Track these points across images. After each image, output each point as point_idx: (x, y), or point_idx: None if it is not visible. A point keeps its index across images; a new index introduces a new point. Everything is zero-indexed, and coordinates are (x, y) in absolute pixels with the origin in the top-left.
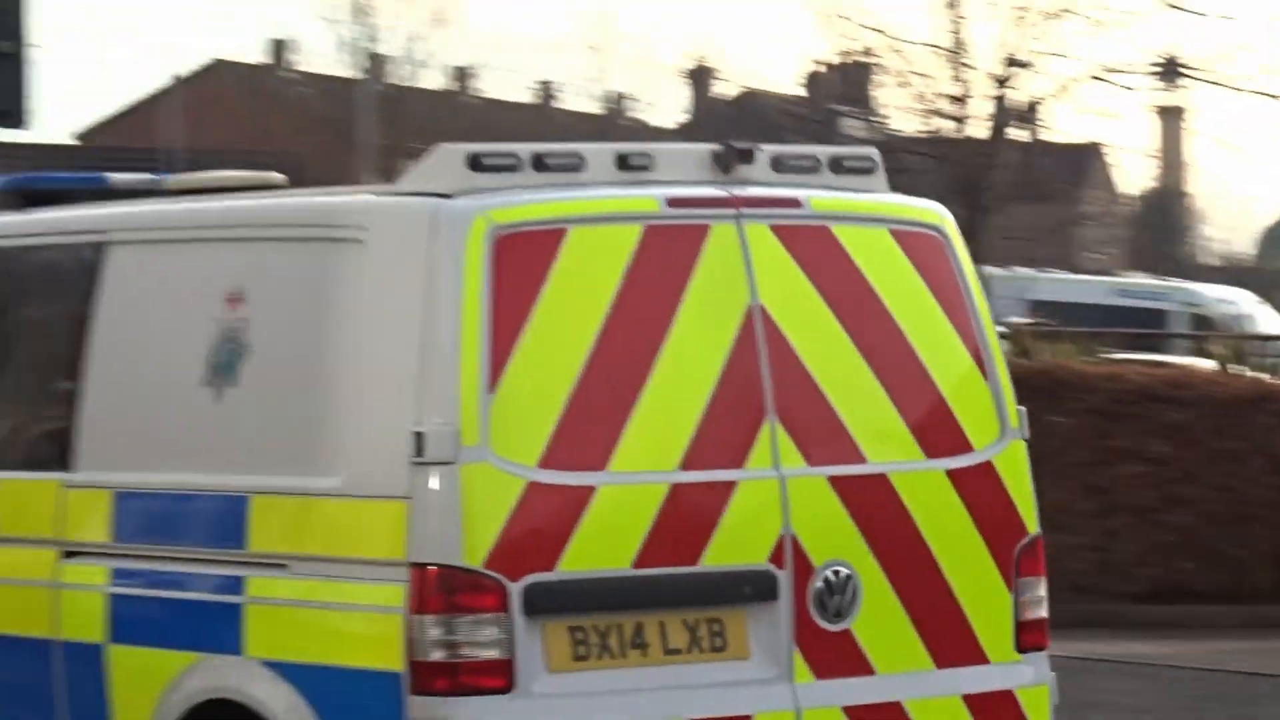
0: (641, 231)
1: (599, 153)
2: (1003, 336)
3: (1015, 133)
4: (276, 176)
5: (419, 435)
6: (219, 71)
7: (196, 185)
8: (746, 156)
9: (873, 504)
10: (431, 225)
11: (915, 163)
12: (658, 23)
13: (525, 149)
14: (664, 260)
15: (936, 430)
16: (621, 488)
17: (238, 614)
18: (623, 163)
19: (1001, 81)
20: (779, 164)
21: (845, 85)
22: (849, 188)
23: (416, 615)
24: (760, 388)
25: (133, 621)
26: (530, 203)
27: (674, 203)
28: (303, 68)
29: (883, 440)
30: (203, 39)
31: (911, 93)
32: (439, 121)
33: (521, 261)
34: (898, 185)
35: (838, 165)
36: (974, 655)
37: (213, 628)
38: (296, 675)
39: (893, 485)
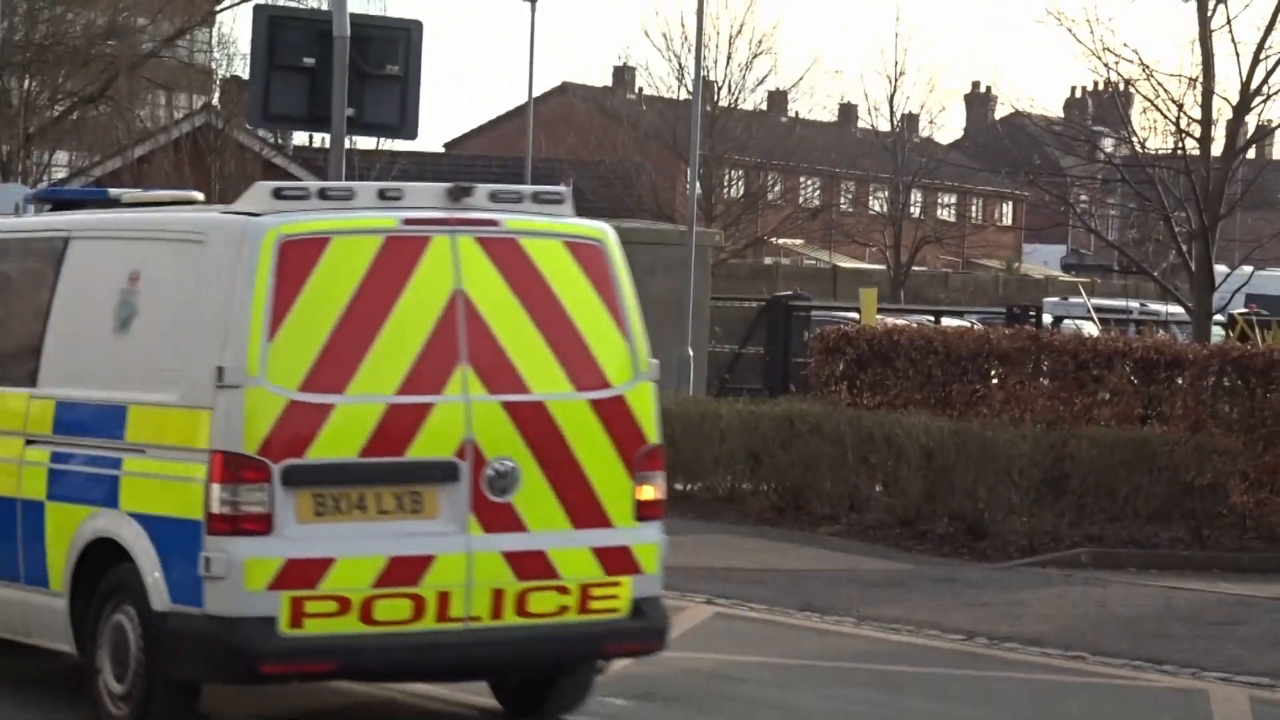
0: (383, 240)
1: (366, 188)
2: (1228, 325)
3: (1249, 151)
4: (197, 195)
5: (220, 369)
6: (568, 92)
7: (139, 199)
8: (469, 191)
9: (533, 421)
10: (241, 233)
11: (1162, 176)
12: (944, 52)
13: (314, 184)
14: (397, 259)
15: (584, 374)
16: (354, 405)
17: (117, 482)
18: (382, 195)
19: (1240, 109)
20: (493, 196)
21: (1101, 108)
22: (542, 213)
23: (212, 483)
24: (457, 342)
25: (60, 486)
26: (306, 220)
27: (408, 221)
28: (642, 90)
29: (544, 380)
30: (555, 65)
31: (1160, 116)
32: (754, 138)
33: (297, 258)
34: (1148, 197)
35: (536, 197)
36: (602, 521)
37: (103, 491)
38: (146, 522)
39: (548, 409)
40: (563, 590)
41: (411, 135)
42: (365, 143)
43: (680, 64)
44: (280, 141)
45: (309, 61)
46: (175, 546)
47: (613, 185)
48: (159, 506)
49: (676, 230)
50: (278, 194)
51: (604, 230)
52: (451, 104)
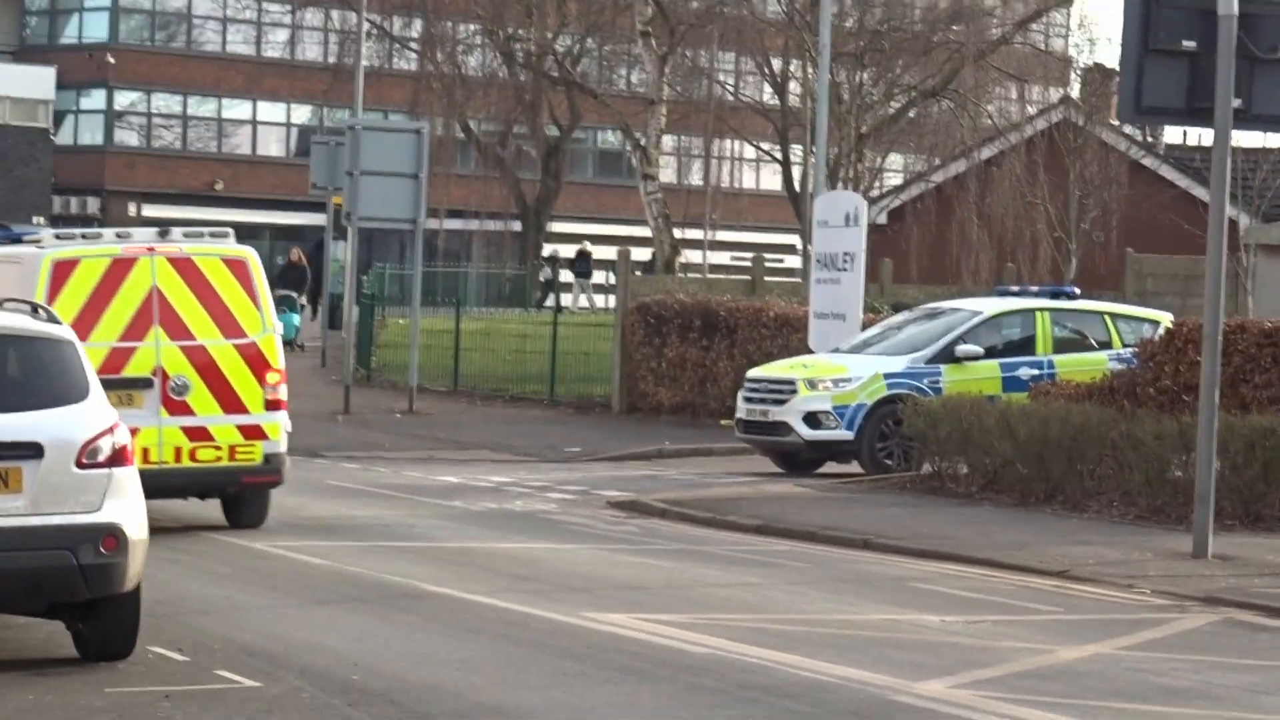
0: (110, 260)
1: (108, 232)
2: None
3: None
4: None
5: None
6: None
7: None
8: (168, 233)
9: (198, 355)
10: (35, 258)
11: None
12: None
13: (79, 230)
14: (119, 271)
15: (231, 330)
16: (92, 347)
17: None
18: (118, 235)
19: None
20: (184, 234)
21: None
22: (211, 243)
23: None
24: (152, 313)
25: None
26: (68, 249)
27: (125, 250)
28: None
29: (205, 333)
30: None
31: None
32: None
33: (62, 272)
34: None
35: (211, 234)
36: (242, 410)
37: None
38: None
39: (207, 349)
40: (218, 448)
41: None
42: (1249, 140)
43: None
44: (1151, 139)
45: (1189, 45)
46: None
47: None
48: None
49: None
50: (58, 236)
51: (248, 251)
52: None
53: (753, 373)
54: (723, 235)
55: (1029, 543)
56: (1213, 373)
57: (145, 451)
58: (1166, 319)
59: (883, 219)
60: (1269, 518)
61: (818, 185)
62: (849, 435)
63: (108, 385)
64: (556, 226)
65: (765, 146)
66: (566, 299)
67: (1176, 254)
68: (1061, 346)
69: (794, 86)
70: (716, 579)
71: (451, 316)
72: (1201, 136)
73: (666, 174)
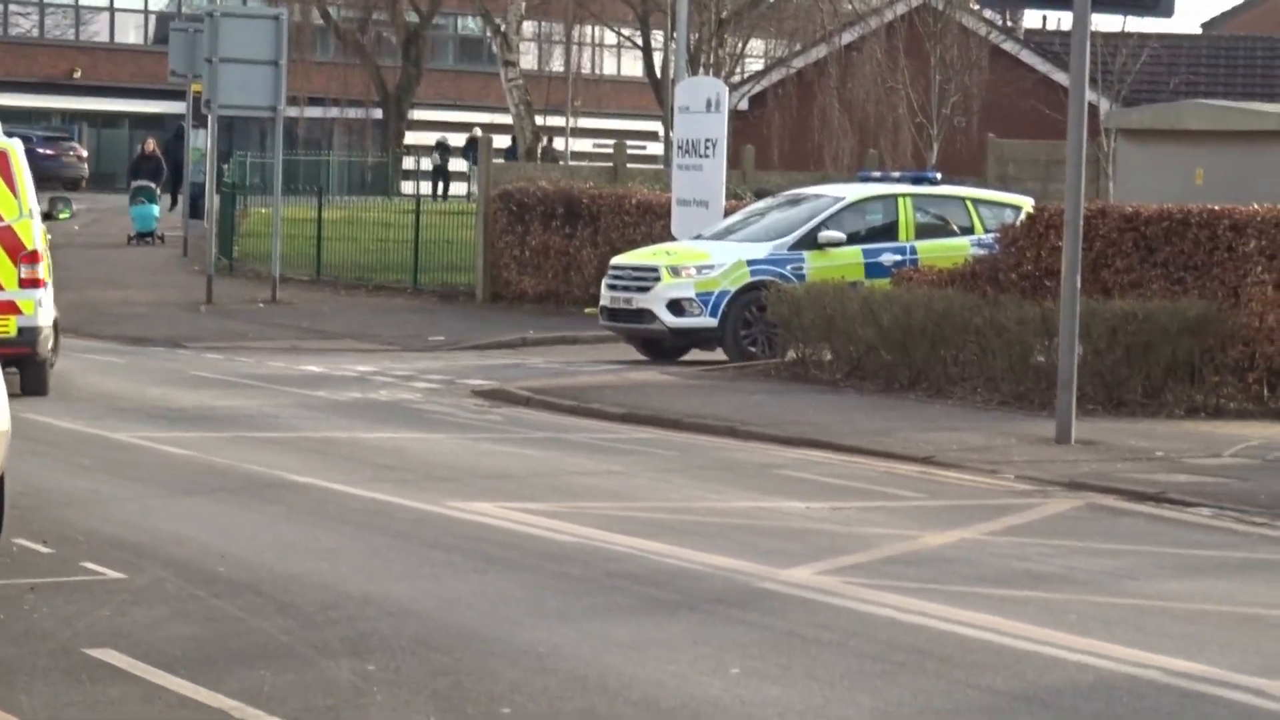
0: None
1: None
2: None
3: None
4: None
5: None
6: None
7: None
8: None
9: None
10: None
11: None
12: None
13: None
14: None
15: None
16: None
17: None
18: None
19: None
20: None
21: None
22: None
23: None
24: None
25: None
26: None
27: None
28: None
29: None
30: None
31: None
32: None
33: None
34: None
35: None
36: (5, 287)
37: None
38: None
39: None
40: None
41: (1167, 12)
42: (1110, 24)
43: None
44: (1011, 24)
45: None
46: None
47: None
48: None
49: None
50: None
51: (8, 144)
52: None
53: (616, 260)
54: (585, 122)
55: (893, 429)
56: (1074, 257)
57: None
58: (1028, 204)
59: (744, 105)
60: (1131, 402)
61: (679, 71)
62: (713, 322)
63: None
64: (417, 114)
65: (626, 32)
66: (459, 187)
67: (1038, 139)
68: (924, 232)
69: None
70: (582, 467)
71: (313, 205)
72: (1061, 21)
73: (527, 61)
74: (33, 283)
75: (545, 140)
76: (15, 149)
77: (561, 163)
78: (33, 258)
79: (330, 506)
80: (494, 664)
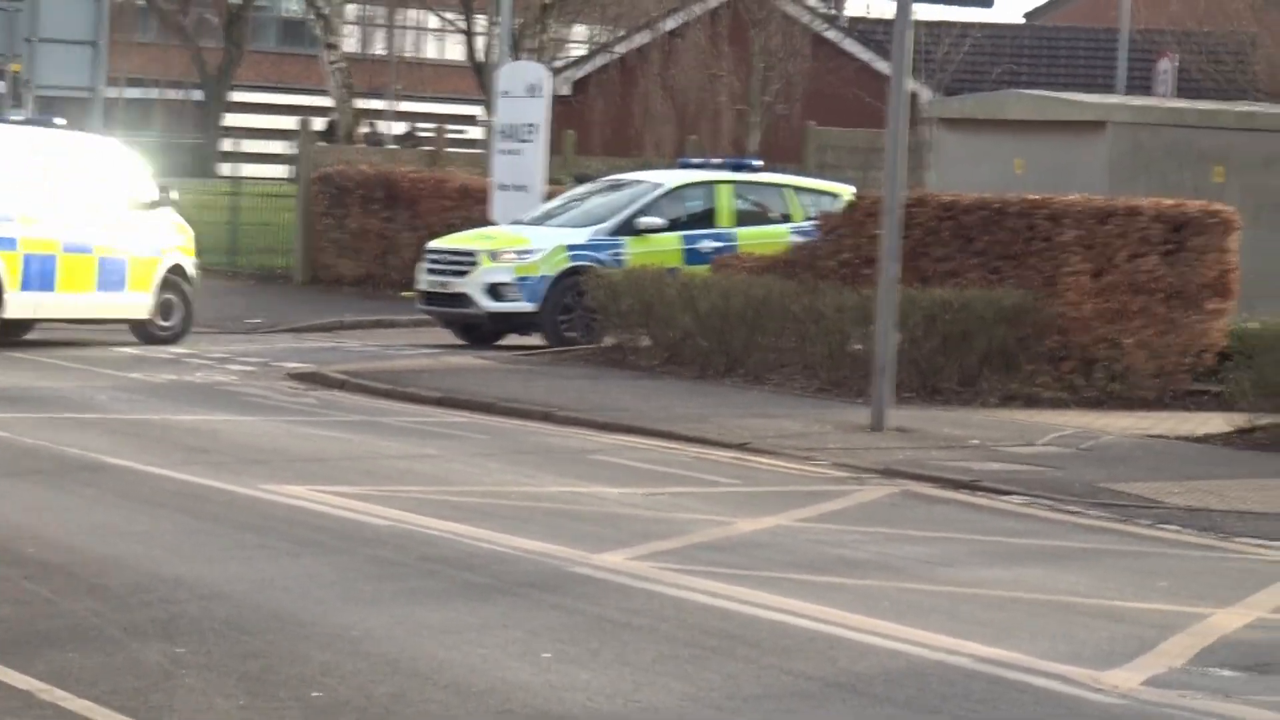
0: None
1: None
2: None
3: None
4: None
5: None
6: None
7: None
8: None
9: None
10: None
11: None
12: None
13: None
14: None
15: None
16: None
17: None
18: None
19: None
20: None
21: None
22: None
23: None
24: None
25: None
26: None
27: None
28: None
29: None
30: None
31: None
32: None
33: None
34: None
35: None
36: None
37: None
38: None
39: None
40: None
41: (986, 3)
42: (933, 13)
43: None
44: (834, 12)
45: None
46: None
47: (1224, 61)
48: None
49: None
50: None
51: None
52: None
53: (434, 244)
54: (406, 106)
55: (709, 415)
56: (893, 245)
57: None
58: (848, 192)
59: (566, 90)
60: (946, 390)
61: (501, 56)
62: (531, 307)
63: None
64: (238, 96)
65: (449, 16)
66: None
67: (858, 127)
68: (743, 219)
69: None
70: (397, 451)
71: None
72: (884, 9)
73: (349, 43)
74: None
75: (369, 125)
76: None
77: (388, 146)
78: None
79: (144, 489)
80: (305, 647)
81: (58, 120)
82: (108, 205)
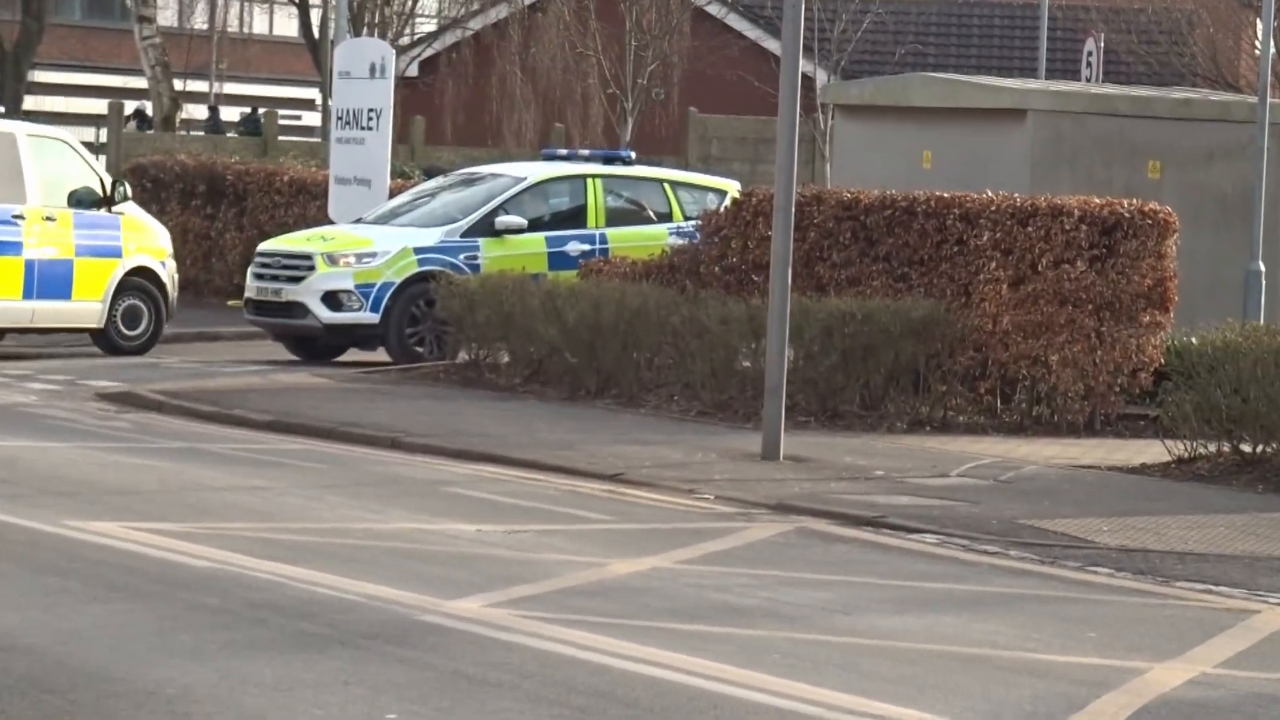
0: None
1: None
2: None
3: None
4: None
5: None
6: None
7: None
8: None
9: None
10: None
11: None
12: None
13: None
14: None
15: None
16: None
17: None
18: None
19: None
20: None
21: None
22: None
23: None
24: None
25: None
26: None
27: None
28: None
29: None
30: None
31: None
32: None
33: None
34: None
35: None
36: None
37: None
38: None
39: None
40: None
41: None
42: None
43: None
44: None
45: None
46: None
47: (1157, 42)
48: None
49: (1243, 103)
50: None
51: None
52: None
53: (264, 246)
54: (231, 88)
55: (578, 442)
56: (785, 249)
57: None
58: (734, 188)
59: (414, 71)
60: (847, 414)
61: (339, 31)
62: (374, 318)
63: None
64: (40, 75)
65: None
66: None
67: (745, 114)
68: (616, 218)
69: None
70: (221, 482)
71: None
72: None
73: (166, 16)
74: None
75: (210, 110)
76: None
77: (230, 135)
78: None
79: None
80: (116, 706)
81: None
82: (47, 202)
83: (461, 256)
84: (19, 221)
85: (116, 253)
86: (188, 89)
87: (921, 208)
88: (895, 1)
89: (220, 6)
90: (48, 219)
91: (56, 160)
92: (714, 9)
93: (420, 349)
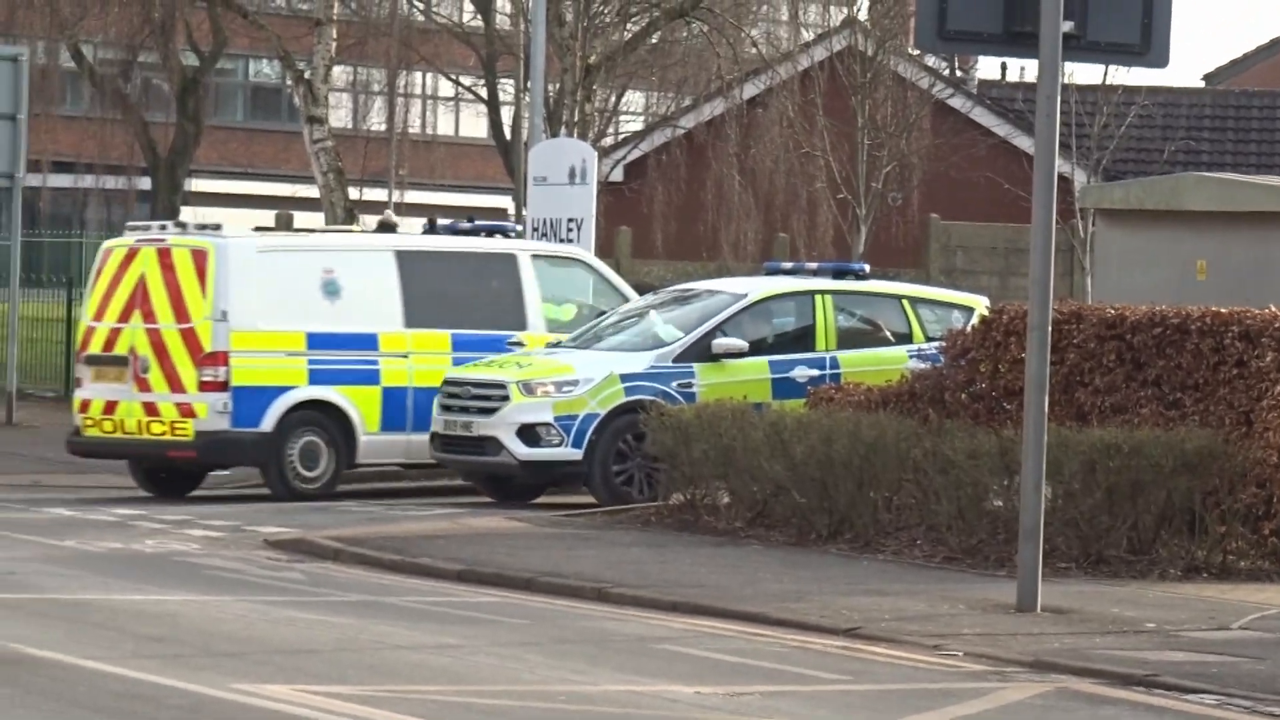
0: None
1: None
2: None
3: None
4: None
5: None
6: None
7: None
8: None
9: (154, 335)
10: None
11: None
12: None
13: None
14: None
15: (180, 315)
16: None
17: None
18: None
19: None
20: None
21: None
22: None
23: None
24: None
25: None
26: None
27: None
28: None
29: (165, 319)
30: None
31: None
32: None
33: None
34: None
35: (199, 227)
36: (182, 389)
37: None
38: None
39: (162, 331)
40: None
41: (1160, 61)
42: (1087, 75)
43: None
44: (961, 74)
45: None
46: None
47: None
48: None
49: None
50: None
51: (211, 242)
52: (1214, 21)
53: (452, 374)
54: (413, 196)
55: (808, 592)
56: (1041, 373)
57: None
58: (981, 304)
59: (619, 175)
60: (1113, 559)
61: (534, 132)
62: (576, 454)
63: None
64: (197, 184)
65: (466, 82)
66: None
67: (994, 221)
68: (848, 340)
69: (502, 3)
70: (406, 639)
71: (62, 300)
72: (1025, 70)
73: (339, 117)
74: (210, 386)
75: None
76: (214, 246)
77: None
78: (208, 359)
79: (79, 689)
80: None
81: None
82: None
83: (674, 384)
84: None
85: None
86: (364, 198)
87: (1195, 325)
88: (1163, 93)
89: (400, 105)
90: None
91: None
92: (957, 102)
93: (628, 489)
